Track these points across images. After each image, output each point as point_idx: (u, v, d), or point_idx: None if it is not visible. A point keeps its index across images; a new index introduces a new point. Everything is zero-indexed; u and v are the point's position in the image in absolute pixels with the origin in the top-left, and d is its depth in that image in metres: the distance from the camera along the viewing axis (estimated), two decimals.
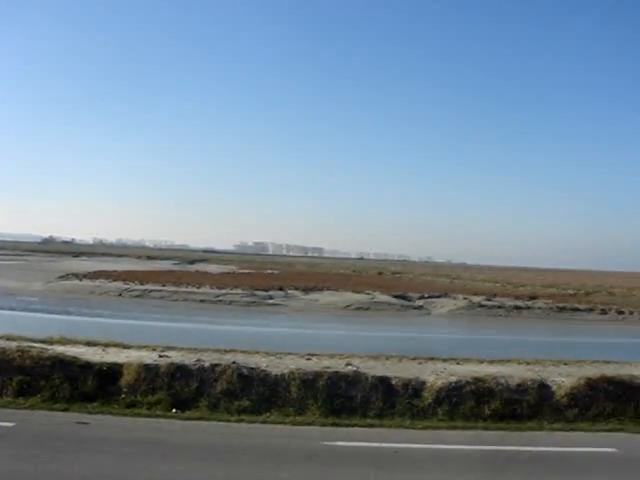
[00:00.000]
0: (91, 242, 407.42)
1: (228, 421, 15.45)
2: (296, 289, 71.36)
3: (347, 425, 15.50)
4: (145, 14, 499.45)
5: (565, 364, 20.22)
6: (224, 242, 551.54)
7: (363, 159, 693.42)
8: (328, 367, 17.65)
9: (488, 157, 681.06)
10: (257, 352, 19.57)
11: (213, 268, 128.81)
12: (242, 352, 19.53)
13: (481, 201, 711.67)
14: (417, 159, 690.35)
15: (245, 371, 17.13)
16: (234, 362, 17.56)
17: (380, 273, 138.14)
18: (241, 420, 15.52)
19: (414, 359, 19.93)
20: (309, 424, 15.46)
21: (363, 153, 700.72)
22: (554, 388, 17.43)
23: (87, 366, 17.12)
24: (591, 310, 67.15)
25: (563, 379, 17.87)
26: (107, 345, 19.81)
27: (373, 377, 17.14)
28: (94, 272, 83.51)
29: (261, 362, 18.05)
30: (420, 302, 68.17)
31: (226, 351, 19.52)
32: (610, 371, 18.76)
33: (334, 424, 15.49)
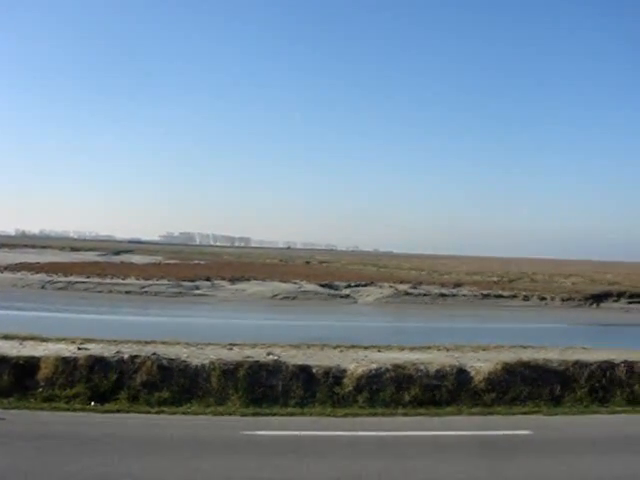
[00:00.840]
0: (13, 233, 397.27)
1: (148, 413, 15.30)
2: (223, 279, 71.09)
3: (268, 414, 15.51)
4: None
5: (484, 350, 20.58)
6: (150, 233, 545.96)
7: (288, 146, 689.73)
8: (249, 357, 17.61)
9: (401, 148, 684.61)
10: (178, 343, 19.41)
11: (139, 259, 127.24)
12: (163, 343, 19.35)
13: (408, 190, 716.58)
14: (342, 148, 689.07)
15: (165, 362, 16.99)
16: (154, 353, 17.39)
17: (307, 262, 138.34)
18: (161, 412, 15.39)
19: (336, 347, 20.05)
20: (230, 414, 15.42)
21: (288, 140, 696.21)
22: (472, 373, 17.75)
23: (3, 360, 16.73)
24: (514, 297, 68.51)
25: (481, 364, 18.19)
26: (25, 338, 19.37)
27: (294, 366, 17.19)
28: (16, 264, 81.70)
29: (182, 353, 17.91)
30: (347, 291, 68.51)
31: (147, 342, 19.31)
32: (527, 356, 19.18)
33: (255, 414, 15.48)
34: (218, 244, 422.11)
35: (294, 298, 62.55)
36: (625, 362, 19.12)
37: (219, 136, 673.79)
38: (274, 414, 15.56)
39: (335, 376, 17.07)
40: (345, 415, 15.68)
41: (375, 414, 15.91)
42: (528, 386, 17.65)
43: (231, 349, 18.91)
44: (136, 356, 17.12)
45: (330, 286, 69.94)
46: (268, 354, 18.15)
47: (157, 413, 15.30)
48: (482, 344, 21.42)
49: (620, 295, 71.30)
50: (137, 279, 67.43)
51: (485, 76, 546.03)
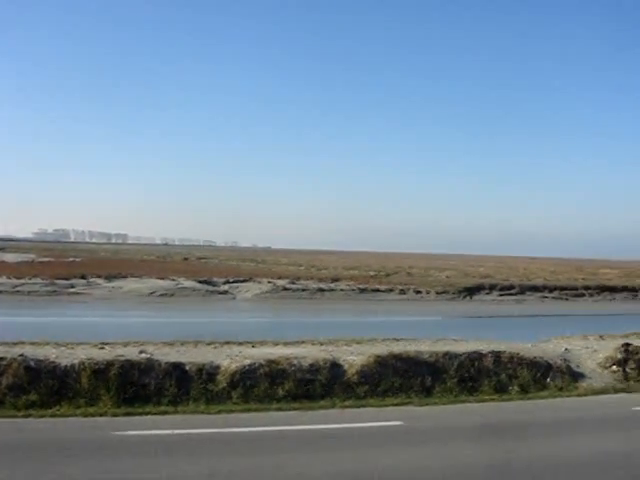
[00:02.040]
0: None
1: (14, 417, 14.71)
2: (99, 277, 69.32)
3: (140, 414, 15.25)
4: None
5: (358, 343, 20.85)
6: (22, 230, 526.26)
7: (163, 141, 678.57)
8: (121, 355, 17.24)
9: (295, 142, 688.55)
10: (48, 343, 18.77)
11: (10, 257, 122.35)
12: (32, 344, 18.65)
13: (287, 185, 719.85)
14: (221, 145, 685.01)
15: (33, 364, 16.41)
16: (22, 355, 16.75)
17: (185, 259, 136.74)
18: (29, 415, 14.84)
19: (210, 344, 19.88)
20: (101, 415, 15.06)
21: (161, 135, 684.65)
22: (346, 367, 17.99)
23: None
24: (391, 290, 69.54)
25: (354, 357, 18.45)
26: None
27: (167, 363, 16.97)
28: None
29: (51, 353, 17.34)
30: (225, 287, 68.10)
31: (15, 344, 18.52)
32: (399, 348, 19.58)
33: (127, 413, 15.18)
34: (94, 241, 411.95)
35: (172, 295, 61.71)
36: (492, 352, 19.82)
37: (83, 131, 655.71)
38: (147, 413, 15.30)
39: (209, 373, 16.96)
40: (219, 412, 15.60)
41: (249, 410, 15.89)
42: (400, 378, 18.03)
43: (102, 348, 18.46)
44: (2, 358, 16.47)
45: (208, 282, 69.32)
46: (140, 352, 17.83)
47: (24, 417, 14.71)
48: (356, 338, 21.69)
49: (492, 288, 73.64)
50: (8, 278, 64.86)
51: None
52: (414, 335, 23.30)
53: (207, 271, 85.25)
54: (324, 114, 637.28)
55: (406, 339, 21.95)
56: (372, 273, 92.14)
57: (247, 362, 17.38)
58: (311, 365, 17.65)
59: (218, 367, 17.21)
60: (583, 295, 75.40)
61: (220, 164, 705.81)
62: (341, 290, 68.20)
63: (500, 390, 18.75)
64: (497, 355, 19.77)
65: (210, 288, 66.59)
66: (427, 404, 17.17)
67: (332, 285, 70.33)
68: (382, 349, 19.39)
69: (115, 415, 15.06)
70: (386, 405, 16.80)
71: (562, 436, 14.60)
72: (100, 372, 16.27)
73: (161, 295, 61.43)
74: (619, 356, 21.17)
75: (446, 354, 19.28)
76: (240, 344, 20.08)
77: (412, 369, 18.39)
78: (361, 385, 17.57)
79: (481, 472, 12.13)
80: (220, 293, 65.45)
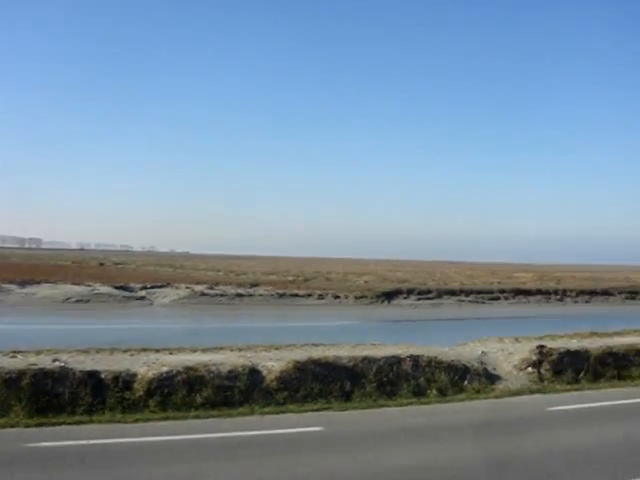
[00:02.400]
0: None
1: None
2: (11, 283, 67.37)
3: (54, 424, 14.82)
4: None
5: (276, 349, 20.77)
6: None
7: (78, 146, 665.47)
8: (34, 364, 16.73)
9: (199, 146, 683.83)
10: None
11: None
12: None
13: (200, 189, 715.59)
14: (128, 147, 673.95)
15: None
16: None
17: (101, 264, 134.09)
18: None
19: (126, 351, 19.49)
20: (12, 426, 14.57)
21: (75, 141, 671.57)
22: (265, 373, 17.88)
23: None
24: (309, 295, 69.56)
25: (273, 363, 18.36)
26: None
27: (82, 372, 16.55)
28: None
29: None
30: (142, 293, 66.98)
31: None
32: (318, 353, 19.58)
33: (40, 424, 14.73)
34: (6, 245, 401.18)
35: (87, 301, 60.45)
36: (411, 356, 19.99)
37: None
38: (61, 423, 14.88)
39: (125, 381, 16.62)
40: (136, 421, 15.30)
41: (167, 418, 15.63)
42: (319, 383, 18.02)
43: (14, 357, 17.88)
44: None
45: (125, 288, 68.09)
46: (54, 361, 17.34)
47: None
48: (275, 343, 21.61)
49: (410, 292, 74.39)
50: None
51: None
52: (333, 340, 23.33)
53: (124, 276, 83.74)
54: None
55: (325, 344, 21.94)
56: (291, 278, 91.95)
57: (164, 369, 17.11)
58: (230, 371, 17.49)
59: (135, 375, 16.88)
60: (499, 298, 76.91)
61: (138, 168, 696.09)
62: (260, 295, 67.92)
63: (419, 394, 18.91)
64: (415, 359, 19.94)
65: (127, 294, 65.44)
66: (347, 409, 17.20)
67: (251, 290, 69.95)
68: (301, 354, 19.35)
69: (27, 426, 14.60)
70: (306, 411, 16.76)
71: (479, 438, 14.79)
72: (11, 381, 15.77)
73: (76, 301, 60.10)
74: (534, 358, 21.63)
75: (365, 359, 19.35)
76: (157, 351, 19.76)
77: (331, 374, 18.40)
78: (280, 391, 17.49)
79: (402, 476, 12.18)
80: (137, 299, 64.36)
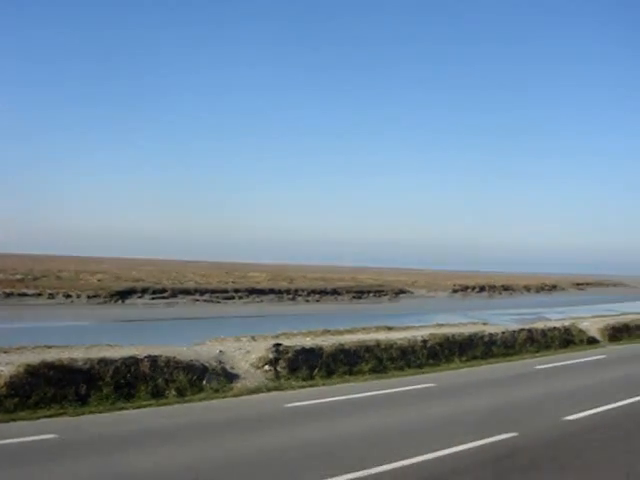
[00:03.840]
0: None
1: None
2: None
3: None
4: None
5: (5, 352, 19.51)
6: None
7: None
8: None
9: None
10: None
11: None
12: None
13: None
14: None
15: None
16: None
17: None
18: None
19: None
20: None
21: None
22: None
23: None
24: (39, 295, 67.07)
25: (2, 368, 17.23)
26: None
27: None
28: None
29: None
30: None
31: None
32: (51, 356, 18.61)
33: None
34: None
35: None
36: (149, 357, 19.60)
37: None
38: None
39: None
40: None
41: None
42: (53, 388, 17.10)
43: None
44: None
45: None
46: None
47: None
48: (4, 347, 20.34)
49: (144, 291, 73.87)
50: None
51: None
52: (66, 341, 22.44)
53: None
54: None
55: (58, 346, 20.97)
56: (19, 277, 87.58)
57: None
58: None
59: None
60: (233, 298, 78.28)
61: None
62: None
63: (157, 395, 18.58)
64: (154, 359, 19.58)
65: None
66: (83, 413, 16.46)
67: None
68: (33, 358, 18.30)
69: None
70: (39, 417, 15.82)
71: (219, 437, 14.78)
72: None
73: None
74: (271, 356, 22.03)
75: (102, 360, 18.69)
76: None
77: (67, 378, 17.54)
78: (11, 397, 16.39)
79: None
80: None
